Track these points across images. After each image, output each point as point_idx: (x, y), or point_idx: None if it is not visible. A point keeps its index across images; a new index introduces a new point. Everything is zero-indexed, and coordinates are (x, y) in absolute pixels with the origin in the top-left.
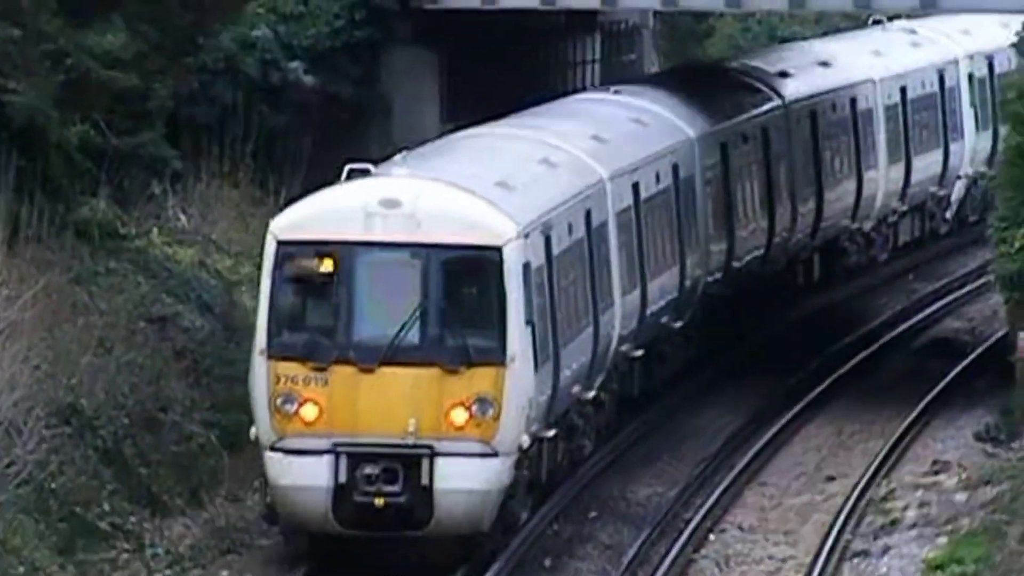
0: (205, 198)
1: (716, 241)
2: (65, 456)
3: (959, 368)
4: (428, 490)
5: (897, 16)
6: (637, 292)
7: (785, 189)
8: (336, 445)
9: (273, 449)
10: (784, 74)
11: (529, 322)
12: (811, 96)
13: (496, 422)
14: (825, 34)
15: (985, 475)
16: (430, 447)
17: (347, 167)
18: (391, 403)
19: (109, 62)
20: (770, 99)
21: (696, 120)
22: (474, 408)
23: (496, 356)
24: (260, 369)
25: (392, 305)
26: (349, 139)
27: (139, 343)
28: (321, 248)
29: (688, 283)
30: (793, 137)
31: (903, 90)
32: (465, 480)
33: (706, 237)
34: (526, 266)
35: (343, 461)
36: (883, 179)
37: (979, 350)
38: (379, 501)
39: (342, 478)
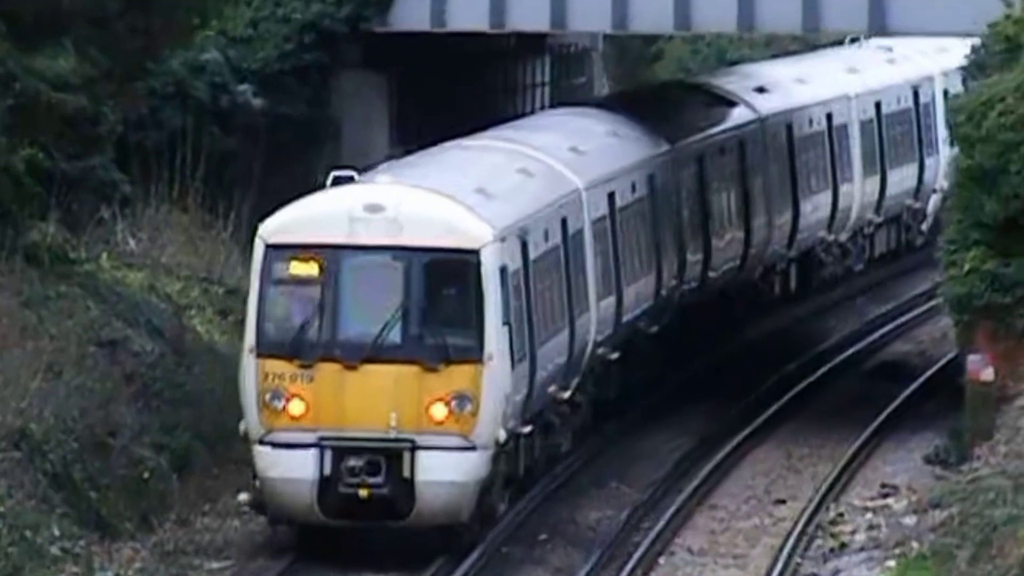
0: (154, 222)
1: (692, 251)
2: (14, 480)
3: (908, 391)
4: (409, 482)
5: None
6: (613, 298)
7: (761, 201)
8: (322, 439)
9: (261, 443)
10: (761, 89)
11: (506, 322)
12: (787, 111)
13: (474, 417)
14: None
15: (934, 498)
16: (411, 441)
17: (332, 174)
18: (374, 399)
19: (58, 86)
20: (747, 114)
21: (673, 133)
22: (453, 404)
23: (474, 354)
24: (249, 366)
25: (375, 305)
26: (298, 162)
27: (89, 367)
28: (307, 251)
29: (664, 292)
30: (769, 150)
31: (878, 105)
32: (445, 472)
33: (682, 247)
34: (503, 269)
35: (328, 454)
36: (859, 192)
37: (929, 373)
38: (363, 492)
39: (327, 470)
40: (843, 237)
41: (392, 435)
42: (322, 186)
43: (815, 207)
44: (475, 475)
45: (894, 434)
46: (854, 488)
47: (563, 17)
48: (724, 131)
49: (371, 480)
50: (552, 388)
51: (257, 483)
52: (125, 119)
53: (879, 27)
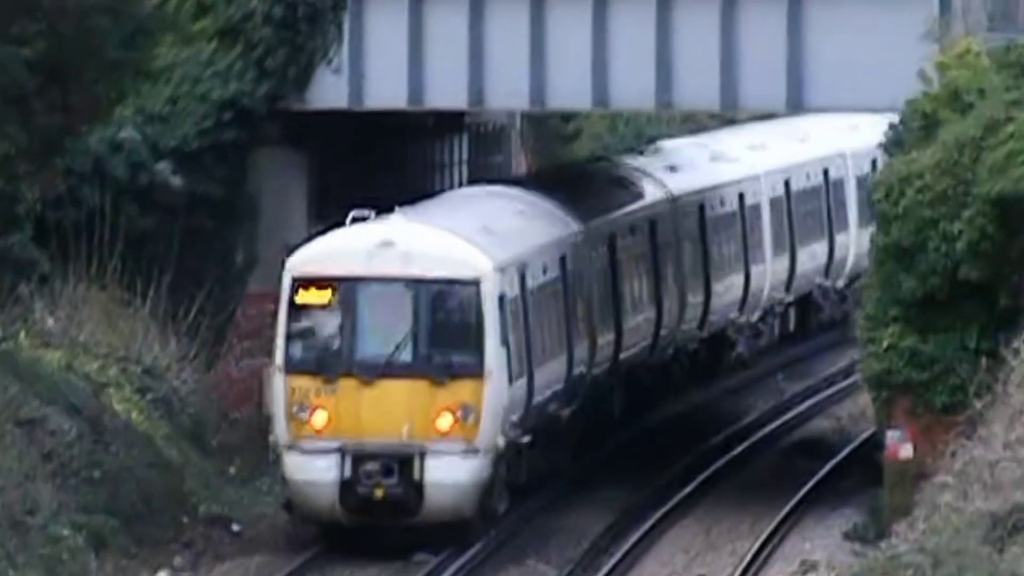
0: (73, 300)
1: (603, 332)
2: None
3: (828, 467)
4: (420, 483)
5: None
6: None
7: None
8: (342, 446)
9: (289, 450)
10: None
11: (504, 343)
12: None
13: (476, 426)
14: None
15: (854, 575)
16: (421, 447)
17: (351, 214)
18: (388, 410)
19: None
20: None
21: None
22: (458, 414)
23: (476, 370)
24: (278, 383)
25: (388, 328)
26: (217, 240)
27: (6, 446)
28: (329, 282)
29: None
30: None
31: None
32: (451, 474)
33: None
34: (503, 296)
35: (348, 460)
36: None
37: (848, 449)
38: (378, 493)
39: (347, 474)
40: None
41: (404, 442)
42: (242, 266)
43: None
44: (477, 477)
45: (813, 510)
46: (774, 565)
47: (481, 95)
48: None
49: (386, 482)
50: (552, 404)
51: (286, 486)
52: (43, 197)
53: (796, 104)
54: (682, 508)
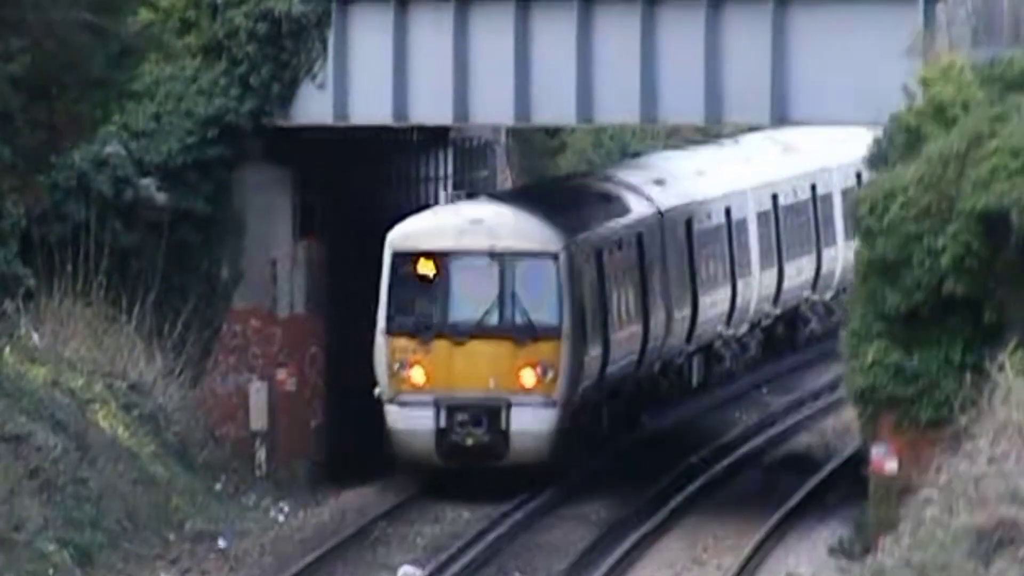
0: (58, 316)
1: (592, 345)
2: None
3: (813, 482)
4: (505, 432)
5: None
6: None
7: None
8: (437, 399)
9: (391, 403)
10: (660, 182)
11: (580, 308)
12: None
13: (554, 382)
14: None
15: None
16: (506, 400)
17: (443, 195)
18: (477, 367)
19: None
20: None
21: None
22: (538, 371)
23: (554, 332)
24: (381, 344)
25: (478, 295)
26: (201, 256)
27: None
28: (425, 255)
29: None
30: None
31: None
32: (532, 424)
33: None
34: (576, 269)
35: (442, 411)
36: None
37: (832, 464)
38: (469, 440)
39: (442, 424)
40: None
41: (491, 395)
42: (227, 282)
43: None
44: (556, 427)
45: (798, 525)
46: None
47: (466, 110)
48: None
49: (476, 431)
50: (627, 366)
51: (388, 436)
52: (28, 213)
53: (781, 118)
54: (667, 523)
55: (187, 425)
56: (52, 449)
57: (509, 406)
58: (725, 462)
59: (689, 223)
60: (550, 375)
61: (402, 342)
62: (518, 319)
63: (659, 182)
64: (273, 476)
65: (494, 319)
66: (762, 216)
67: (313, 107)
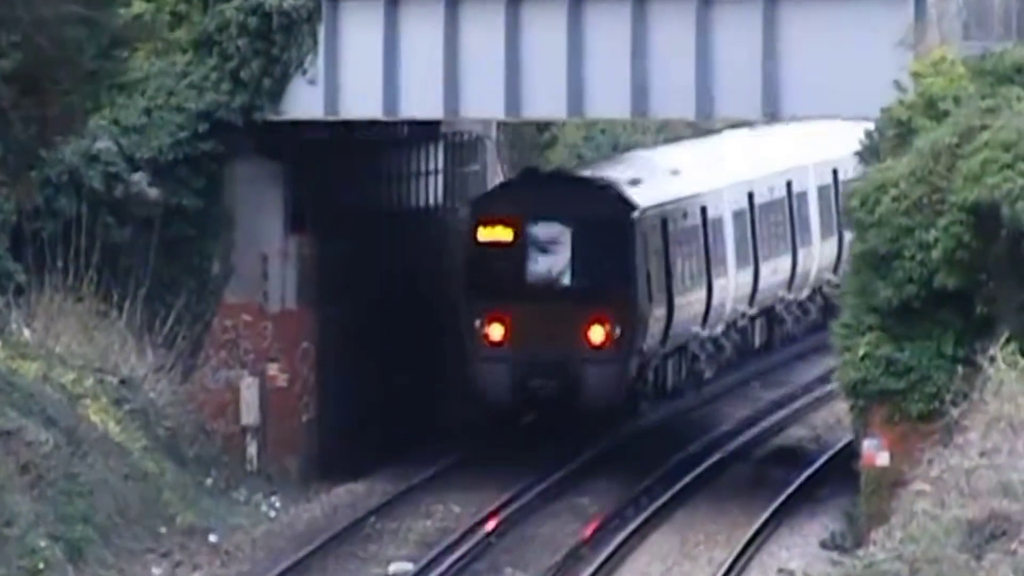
0: (49, 311)
1: (657, 306)
2: None
3: (804, 476)
4: (576, 384)
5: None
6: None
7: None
8: (515, 354)
9: (475, 358)
10: (635, 182)
11: (647, 270)
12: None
13: (620, 338)
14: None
15: None
16: (577, 355)
17: (524, 168)
18: (552, 325)
19: None
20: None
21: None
22: (606, 328)
23: (621, 294)
24: (464, 305)
25: (552, 259)
26: (193, 250)
27: None
28: (503, 220)
29: None
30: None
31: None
32: (600, 377)
33: None
34: (645, 234)
35: (521, 366)
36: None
37: (824, 458)
38: (545, 392)
39: (520, 376)
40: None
41: (564, 351)
42: (218, 277)
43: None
44: (622, 379)
45: (790, 519)
46: (751, 573)
47: (456, 104)
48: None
49: (550, 383)
50: (694, 327)
51: (475, 387)
52: (19, 208)
53: (772, 112)
54: (659, 517)
55: (178, 420)
56: (43, 444)
57: (580, 360)
58: (717, 455)
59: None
60: (617, 332)
61: (483, 302)
62: (588, 281)
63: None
64: (264, 471)
65: (566, 281)
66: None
67: (304, 101)
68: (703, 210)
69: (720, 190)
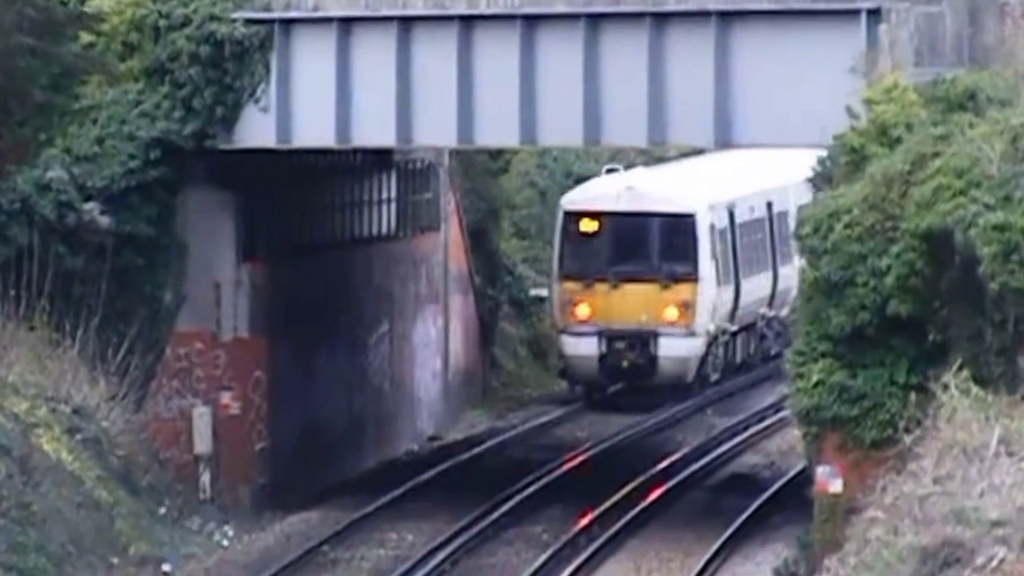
0: (1, 340)
1: (725, 288)
2: None
3: (758, 503)
4: (654, 357)
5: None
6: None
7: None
8: (600, 330)
9: (563, 333)
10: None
11: (713, 258)
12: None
13: (693, 316)
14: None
15: None
16: (655, 330)
17: (605, 167)
18: (631, 305)
19: None
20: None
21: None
22: (680, 307)
23: (693, 276)
24: (555, 286)
25: (631, 247)
26: (145, 279)
27: None
28: (590, 214)
29: None
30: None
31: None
32: (676, 350)
33: None
34: (712, 226)
35: (604, 340)
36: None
37: (777, 485)
38: (625, 363)
39: (603, 350)
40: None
41: (643, 327)
42: (171, 305)
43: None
44: (695, 352)
45: (743, 546)
46: None
47: (409, 133)
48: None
49: (630, 355)
50: (761, 307)
51: (562, 359)
52: None
53: (725, 140)
54: (612, 544)
55: (131, 449)
56: None
57: (656, 336)
58: (671, 482)
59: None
60: (689, 311)
61: (571, 284)
62: (663, 266)
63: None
64: (217, 500)
65: (644, 266)
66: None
67: (256, 130)
68: (769, 205)
69: (785, 187)
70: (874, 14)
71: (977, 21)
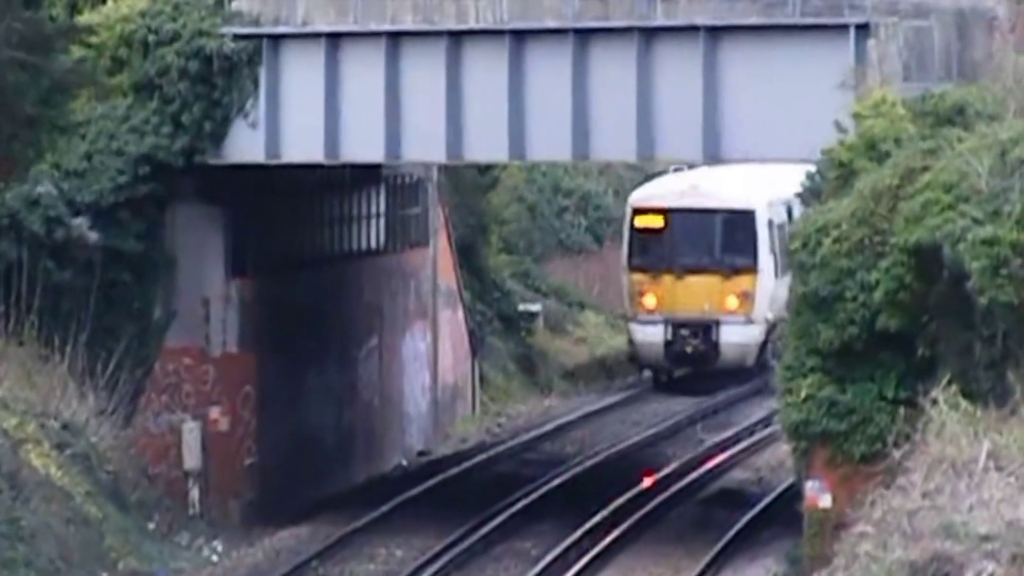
0: None
1: (782, 279)
2: None
3: (747, 518)
4: (716, 343)
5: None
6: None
7: None
8: (666, 318)
9: (632, 321)
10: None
11: (772, 251)
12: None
13: (752, 305)
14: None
15: None
16: (716, 319)
17: (671, 167)
18: (695, 295)
19: None
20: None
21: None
22: (740, 297)
23: (752, 268)
24: (624, 278)
25: (694, 241)
26: (134, 295)
27: None
28: (656, 211)
29: None
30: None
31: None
32: (736, 337)
33: None
34: (770, 222)
35: (670, 327)
36: None
37: (767, 500)
38: (689, 349)
39: (669, 337)
40: None
41: (705, 316)
42: (160, 321)
43: None
44: (755, 339)
45: (732, 561)
46: None
47: (398, 148)
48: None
49: (694, 342)
50: None
51: (632, 346)
52: None
53: (713, 154)
54: (601, 560)
55: (120, 464)
56: None
57: (718, 323)
58: (660, 497)
59: None
60: (748, 301)
61: (639, 276)
62: (724, 259)
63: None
64: (207, 515)
65: (707, 258)
66: None
67: (245, 145)
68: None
69: None
70: (862, 29)
71: (965, 36)
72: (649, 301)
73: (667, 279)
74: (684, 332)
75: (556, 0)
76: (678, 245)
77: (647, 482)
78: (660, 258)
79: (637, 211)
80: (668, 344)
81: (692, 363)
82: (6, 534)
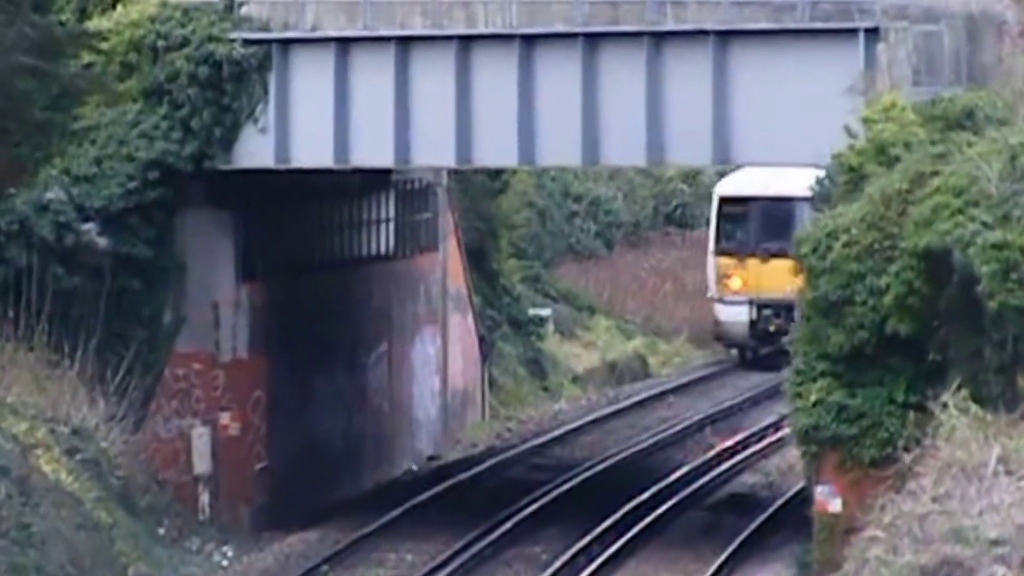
0: (0, 362)
1: None
2: None
3: (757, 523)
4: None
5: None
6: None
7: None
8: (750, 299)
9: (719, 302)
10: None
11: None
12: None
13: None
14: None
15: None
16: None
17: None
18: (777, 277)
19: None
20: None
21: None
22: None
23: None
24: (711, 261)
25: (777, 227)
26: (143, 300)
27: None
28: (741, 199)
29: None
30: None
31: None
32: None
33: None
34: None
35: (754, 307)
36: None
37: (777, 504)
38: (771, 327)
39: (753, 316)
40: None
41: (787, 297)
42: (170, 326)
43: None
44: None
45: (742, 566)
46: None
47: (407, 153)
48: None
49: (777, 321)
50: None
51: (717, 325)
52: None
53: (723, 159)
54: (611, 565)
55: (130, 470)
56: None
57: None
58: (670, 502)
59: None
60: None
61: (725, 260)
62: None
63: None
64: (216, 520)
65: (788, 243)
66: None
67: (255, 150)
68: None
69: None
70: (872, 33)
71: (975, 40)
72: (735, 283)
73: (752, 262)
74: (767, 312)
75: (565, 5)
76: (762, 231)
77: (721, 445)
78: (745, 243)
79: (724, 200)
80: (752, 323)
81: (775, 341)
82: (16, 540)
